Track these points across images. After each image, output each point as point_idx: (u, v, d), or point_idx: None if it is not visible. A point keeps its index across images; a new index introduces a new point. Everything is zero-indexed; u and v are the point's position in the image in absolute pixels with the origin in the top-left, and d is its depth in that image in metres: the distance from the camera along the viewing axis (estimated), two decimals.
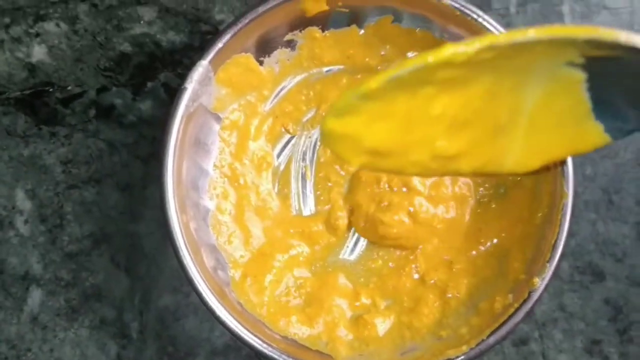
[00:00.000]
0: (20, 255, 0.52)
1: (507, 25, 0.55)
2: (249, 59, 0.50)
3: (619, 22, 0.55)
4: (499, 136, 0.36)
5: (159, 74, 0.54)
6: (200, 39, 0.54)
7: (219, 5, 0.54)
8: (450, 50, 0.32)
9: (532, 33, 0.32)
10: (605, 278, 0.53)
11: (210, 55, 0.47)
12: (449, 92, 0.34)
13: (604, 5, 0.56)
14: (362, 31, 0.52)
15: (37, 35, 0.54)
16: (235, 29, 0.47)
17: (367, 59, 0.52)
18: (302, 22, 0.50)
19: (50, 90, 0.54)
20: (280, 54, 0.51)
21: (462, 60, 0.32)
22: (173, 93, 0.52)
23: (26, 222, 0.52)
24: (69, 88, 0.54)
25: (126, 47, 0.54)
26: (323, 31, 0.51)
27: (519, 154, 0.38)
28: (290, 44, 0.51)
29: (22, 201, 0.53)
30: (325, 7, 0.49)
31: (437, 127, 0.35)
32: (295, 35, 0.51)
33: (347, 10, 0.50)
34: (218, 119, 0.50)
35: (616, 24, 0.55)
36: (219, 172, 0.51)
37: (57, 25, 0.54)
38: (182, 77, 0.51)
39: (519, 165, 0.39)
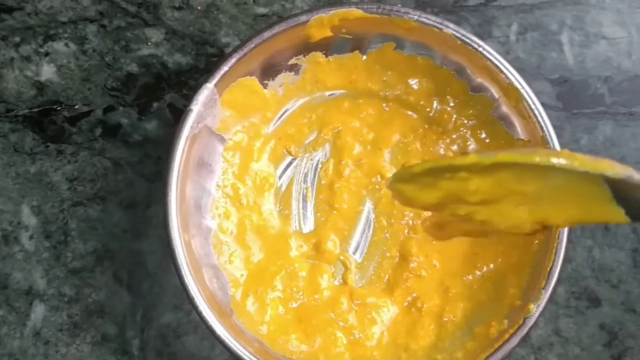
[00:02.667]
0: (25, 270, 0.53)
1: (507, 52, 0.56)
2: (254, 82, 0.51)
3: (617, 51, 0.56)
4: (524, 203, 0.39)
5: (164, 94, 0.55)
6: (205, 61, 0.55)
7: (224, 29, 0.55)
8: (472, 160, 0.38)
9: (553, 160, 0.35)
10: (601, 304, 0.53)
11: (216, 78, 0.48)
12: (480, 175, 0.38)
13: (603, 35, 0.57)
14: (364, 57, 0.53)
15: (47, 54, 0.55)
16: (241, 53, 0.48)
17: (369, 84, 0.53)
18: (307, 47, 0.51)
19: (58, 108, 0.54)
20: (284, 77, 0.52)
21: (484, 165, 0.37)
22: (178, 113, 0.53)
23: (31, 237, 0.53)
24: (77, 107, 0.54)
25: (133, 68, 0.55)
26: (327, 56, 0.52)
27: (535, 216, 0.40)
28: (294, 68, 0.52)
29: (28, 217, 0.53)
30: (330, 34, 0.50)
31: (473, 197, 0.39)
32: (300, 60, 0.52)
33: (350, 37, 0.51)
34: (222, 140, 0.51)
35: (614, 54, 0.56)
36: (221, 192, 0.51)
37: (66, 45, 0.55)
38: (188, 98, 0.53)
39: (529, 224, 0.41)
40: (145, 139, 0.54)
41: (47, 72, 0.55)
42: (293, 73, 0.52)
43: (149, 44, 0.55)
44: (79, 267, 0.53)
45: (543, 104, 0.49)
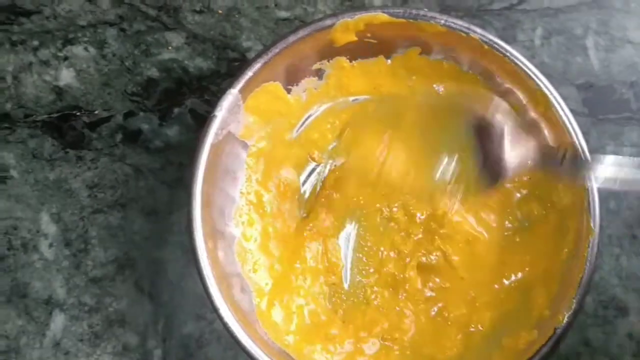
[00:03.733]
0: (44, 279, 0.52)
1: (532, 57, 0.55)
2: (278, 87, 0.50)
3: None
4: None
5: (185, 99, 0.54)
6: (227, 65, 0.54)
7: (246, 33, 0.55)
8: None
9: None
10: (629, 313, 0.53)
11: (241, 83, 0.47)
12: None
13: (628, 39, 0.56)
14: (389, 62, 0.52)
15: (66, 58, 0.54)
16: (265, 58, 0.47)
17: (394, 90, 0.53)
18: (331, 52, 0.50)
19: (78, 114, 0.53)
20: (308, 82, 0.52)
21: None
22: (200, 119, 0.53)
23: (51, 246, 0.52)
24: (96, 112, 0.54)
25: (154, 73, 0.54)
26: (351, 61, 0.51)
27: None
28: (318, 73, 0.51)
29: (47, 225, 0.52)
30: (354, 38, 0.49)
31: None
32: (324, 65, 0.51)
33: (375, 41, 0.50)
34: (245, 146, 0.50)
35: (639, 58, 0.55)
36: (245, 199, 0.51)
37: (86, 49, 0.54)
38: (209, 103, 0.52)
39: None
40: (166, 145, 0.53)
41: (66, 76, 0.54)
42: (317, 78, 0.52)
43: (170, 48, 0.54)
44: (99, 276, 0.52)
45: (570, 110, 0.49)
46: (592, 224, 0.46)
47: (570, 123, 0.48)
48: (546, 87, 0.48)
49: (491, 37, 0.48)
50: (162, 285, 0.52)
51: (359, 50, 0.51)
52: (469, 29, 0.48)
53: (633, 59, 0.56)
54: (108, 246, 0.52)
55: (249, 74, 0.47)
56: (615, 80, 0.55)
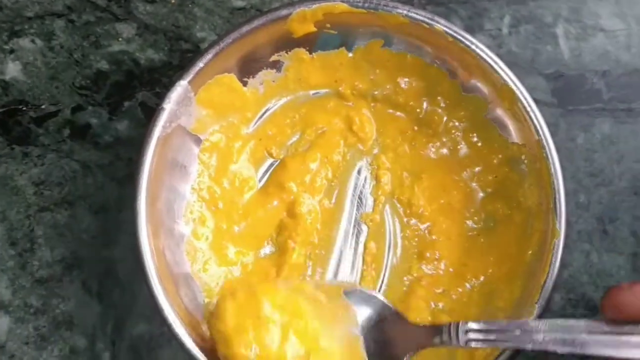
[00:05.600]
0: None
1: (499, 46, 0.54)
2: (232, 79, 0.49)
3: (615, 44, 0.54)
4: None
5: (136, 93, 0.53)
6: (180, 57, 0.53)
7: (200, 23, 0.53)
8: None
9: None
10: (599, 311, 0.51)
11: (191, 75, 0.46)
12: None
13: (600, 27, 0.55)
14: (350, 54, 0.50)
15: (12, 51, 0.53)
16: (217, 48, 0.46)
17: (355, 83, 0.51)
18: (289, 43, 0.49)
19: (24, 108, 0.52)
20: (265, 75, 0.50)
21: None
22: (151, 113, 0.50)
23: None
24: (43, 107, 0.52)
25: (103, 65, 0.53)
26: (310, 53, 0.50)
27: None
28: (276, 65, 0.50)
29: None
30: (313, 29, 0.48)
31: None
32: (281, 56, 0.50)
33: (335, 32, 0.49)
34: (198, 140, 0.49)
35: (612, 47, 0.54)
36: (196, 195, 0.49)
37: (33, 41, 0.53)
38: (161, 96, 0.50)
39: None
40: (116, 140, 0.52)
41: (12, 70, 0.52)
42: (275, 70, 0.50)
43: (120, 39, 0.53)
44: (46, 277, 0.50)
45: (537, 101, 0.47)
46: (557, 226, 0.44)
47: (537, 119, 0.46)
48: (512, 82, 0.46)
49: (456, 29, 0.46)
50: (112, 286, 0.50)
51: (318, 42, 0.49)
52: (432, 19, 0.47)
53: (605, 47, 0.54)
54: (55, 245, 0.51)
55: (200, 65, 0.46)
56: (586, 70, 0.54)
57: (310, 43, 0.49)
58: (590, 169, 0.52)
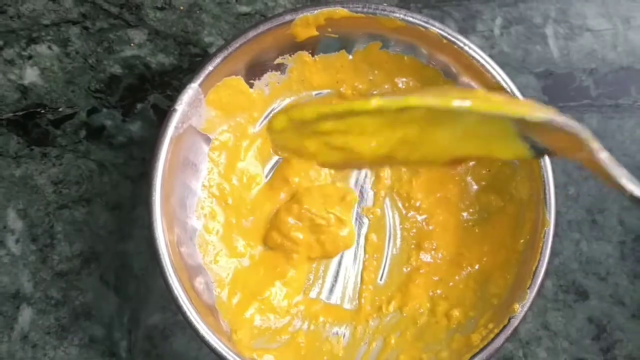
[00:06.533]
0: (11, 274, 0.53)
1: (491, 47, 0.56)
2: (240, 81, 0.51)
3: (602, 43, 0.56)
4: (434, 145, 0.37)
5: (148, 95, 0.54)
6: (189, 61, 0.55)
7: (207, 28, 0.55)
8: (377, 104, 0.34)
9: (466, 103, 0.33)
10: (589, 297, 0.53)
11: (201, 77, 0.47)
12: (385, 122, 0.36)
13: (587, 27, 0.56)
14: (351, 56, 0.52)
15: (30, 57, 0.54)
16: (225, 52, 0.48)
17: (356, 83, 0.53)
18: (292, 47, 0.51)
19: (42, 111, 0.54)
20: (270, 77, 0.52)
21: (390, 109, 0.35)
22: (162, 114, 0.53)
23: (17, 241, 0.53)
24: (60, 109, 0.54)
25: (116, 69, 0.55)
26: (313, 56, 0.52)
27: (450, 151, 0.38)
28: (281, 68, 0.52)
29: (14, 221, 0.53)
30: (315, 33, 0.49)
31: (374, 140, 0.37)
32: (285, 59, 0.52)
33: (336, 36, 0.51)
34: (207, 140, 0.51)
35: (599, 46, 0.56)
36: (207, 192, 0.51)
37: (49, 47, 0.55)
38: (171, 98, 0.53)
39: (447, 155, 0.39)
40: (129, 140, 0.54)
41: (31, 75, 0.54)
42: (279, 72, 0.52)
43: (132, 45, 0.55)
44: (65, 270, 0.53)
45: (529, 98, 0.49)
46: (547, 216, 0.47)
47: None
48: (504, 81, 0.48)
49: (450, 31, 0.48)
50: (127, 278, 0.53)
51: (321, 45, 0.51)
52: (427, 23, 0.48)
53: (592, 46, 0.56)
54: (73, 241, 0.53)
55: (209, 68, 0.47)
56: (574, 68, 0.56)
57: (313, 46, 0.51)
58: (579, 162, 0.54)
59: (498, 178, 0.51)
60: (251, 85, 0.52)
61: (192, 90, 0.47)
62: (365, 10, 0.49)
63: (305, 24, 0.49)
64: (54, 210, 0.53)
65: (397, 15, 0.48)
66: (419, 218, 0.53)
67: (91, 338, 0.52)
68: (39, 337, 0.52)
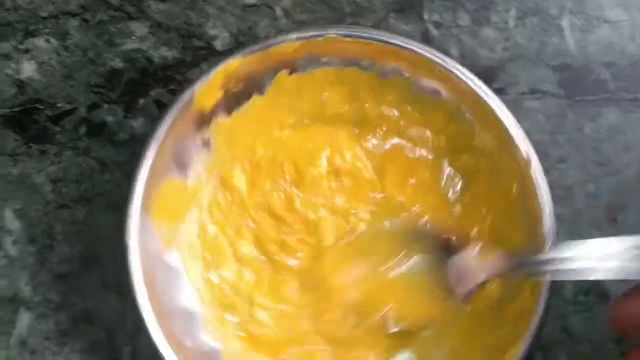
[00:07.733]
0: (9, 277, 0.51)
1: (506, 39, 0.54)
2: (174, 181, 0.48)
3: (620, 35, 0.54)
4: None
5: (150, 90, 0.53)
6: (192, 54, 0.53)
7: (212, 21, 0.54)
8: None
9: None
10: (610, 299, 0.52)
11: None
12: None
13: (605, 18, 0.55)
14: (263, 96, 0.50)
15: (27, 51, 0.53)
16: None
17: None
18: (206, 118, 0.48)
19: (40, 107, 0.53)
20: (199, 157, 0.50)
21: None
22: (165, 110, 0.51)
23: (15, 242, 0.51)
24: (59, 105, 0.53)
25: (117, 63, 0.53)
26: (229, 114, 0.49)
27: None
28: (205, 144, 0.49)
29: (11, 221, 0.51)
30: (220, 94, 0.47)
31: None
32: (205, 133, 0.49)
33: (241, 86, 0.48)
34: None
35: (617, 38, 0.54)
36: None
37: (47, 41, 0.53)
38: (174, 93, 0.52)
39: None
40: (131, 137, 0.52)
41: (28, 69, 0.53)
42: (207, 150, 0.50)
43: (133, 38, 0.53)
44: (65, 272, 0.51)
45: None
46: (523, 154, 0.45)
47: (463, 72, 0.47)
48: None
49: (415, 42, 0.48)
50: (129, 281, 0.51)
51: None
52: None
53: (610, 38, 0.55)
54: (73, 242, 0.51)
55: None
56: (592, 61, 0.54)
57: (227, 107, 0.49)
58: (598, 158, 0.53)
59: (459, 139, 0.50)
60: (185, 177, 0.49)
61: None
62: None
63: (207, 93, 0.47)
64: (53, 210, 0.52)
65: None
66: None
67: (93, 343, 0.50)
68: (38, 342, 0.50)
